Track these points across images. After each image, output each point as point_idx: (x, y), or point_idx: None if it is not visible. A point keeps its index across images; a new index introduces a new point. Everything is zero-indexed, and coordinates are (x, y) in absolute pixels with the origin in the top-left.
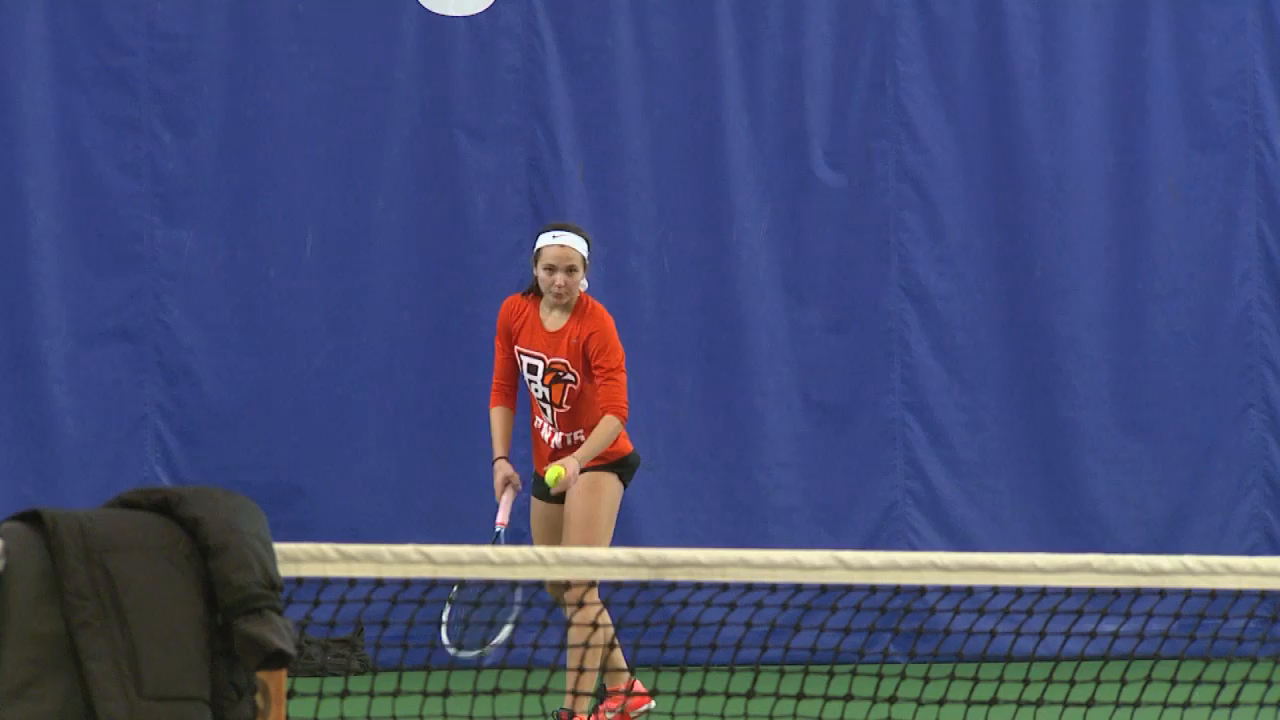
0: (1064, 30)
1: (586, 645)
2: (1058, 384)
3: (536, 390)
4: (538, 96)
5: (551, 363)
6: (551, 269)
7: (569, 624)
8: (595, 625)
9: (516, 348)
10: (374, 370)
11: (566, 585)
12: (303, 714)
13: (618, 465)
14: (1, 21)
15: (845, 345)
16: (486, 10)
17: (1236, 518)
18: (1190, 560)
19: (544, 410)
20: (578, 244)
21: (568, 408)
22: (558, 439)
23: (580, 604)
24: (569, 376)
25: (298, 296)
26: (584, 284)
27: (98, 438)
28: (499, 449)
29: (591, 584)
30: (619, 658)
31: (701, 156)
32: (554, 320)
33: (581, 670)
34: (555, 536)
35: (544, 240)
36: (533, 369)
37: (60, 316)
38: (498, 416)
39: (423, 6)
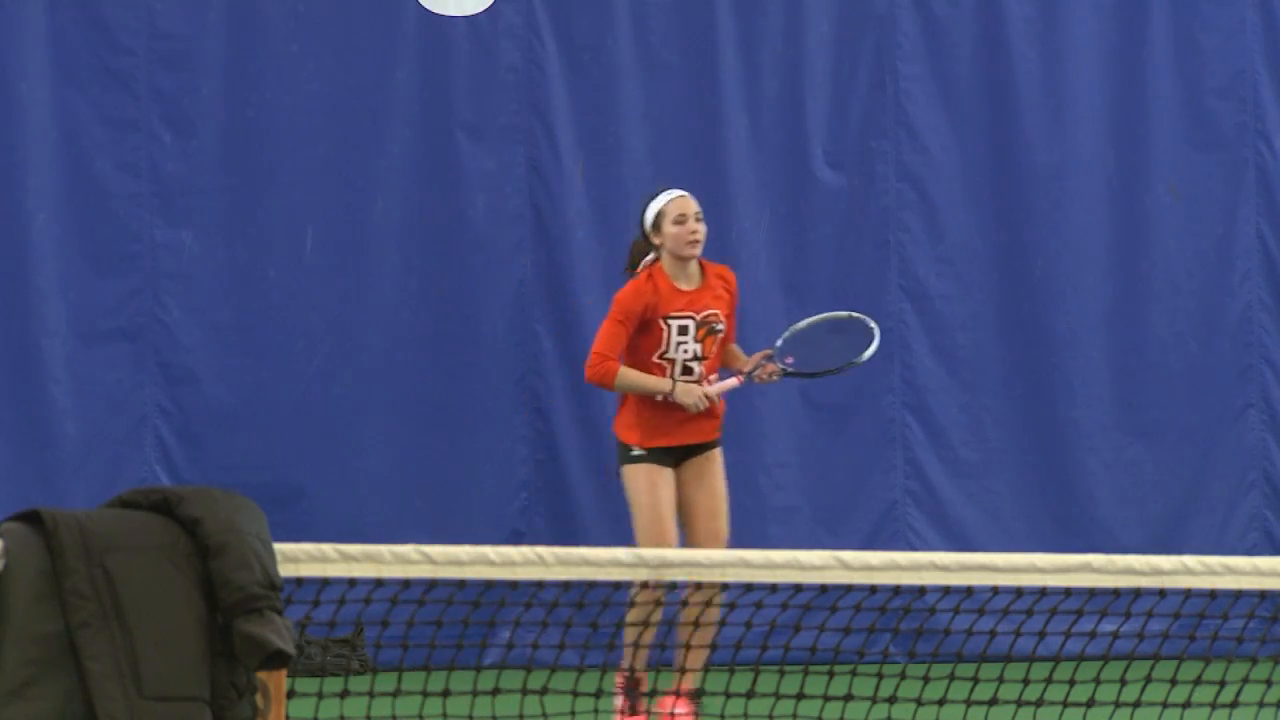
0: (1064, 30)
1: (696, 626)
2: (1058, 384)
3: (685, 350)
4: (538, 96)
5: (704, 317)
6: (683, 219)
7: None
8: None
9: (663, 319)
10: (374, 370)
11: (697, 586)
12: (303, 714)
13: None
14: (1, 21)
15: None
16: (486, 10)
17: (1236, 518)
18: (1190, 560)
19: (689, 370)
20: (691, 196)
21: (711, 357)
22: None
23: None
24: (720, 326)
25: (298, 296)
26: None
27: (98, 438)
28: (664, 382)
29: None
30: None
31: (701, 156)
32: (687, 279)
33: (688, 647)
34: (676, 504)
35: (664, 198)
36: (684, 330)
37: (60, 316)
38: (629, 370)
39: (423, 6)
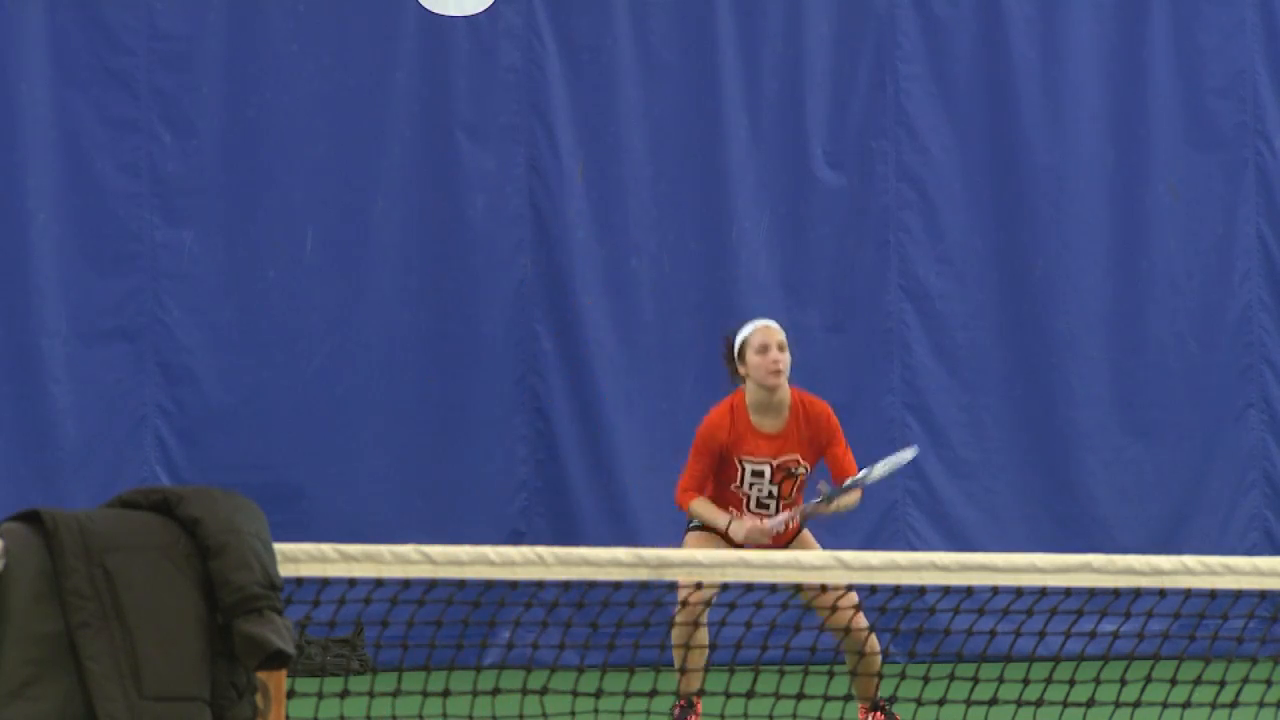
0: (1064, 30)
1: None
2: (1058, 384)
3: (760, 491)
4: (538, 96)
5: (781, 463)
6: (765, 348)
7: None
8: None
9: (739, 458)
10: (374, 370)
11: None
12: (303, 714)
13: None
14: (1, 21)
15: (845, 345)
16: (486, 10)
17: (1236, 518)
18: (1190, 560)
19: (764, 506)
20: (777, 325)
21: (794, 496)
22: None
23: (847, 629)
24: (800, 469)
25: (298, 296)
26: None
27: (98, 438)
28: (721, 519)
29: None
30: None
31: (701, 156)
32: (771, 424)
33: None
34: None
35: (747, 329)
36: (758, 474)
37: (60, 316)
38: (700, 503)
39: (423, 6)
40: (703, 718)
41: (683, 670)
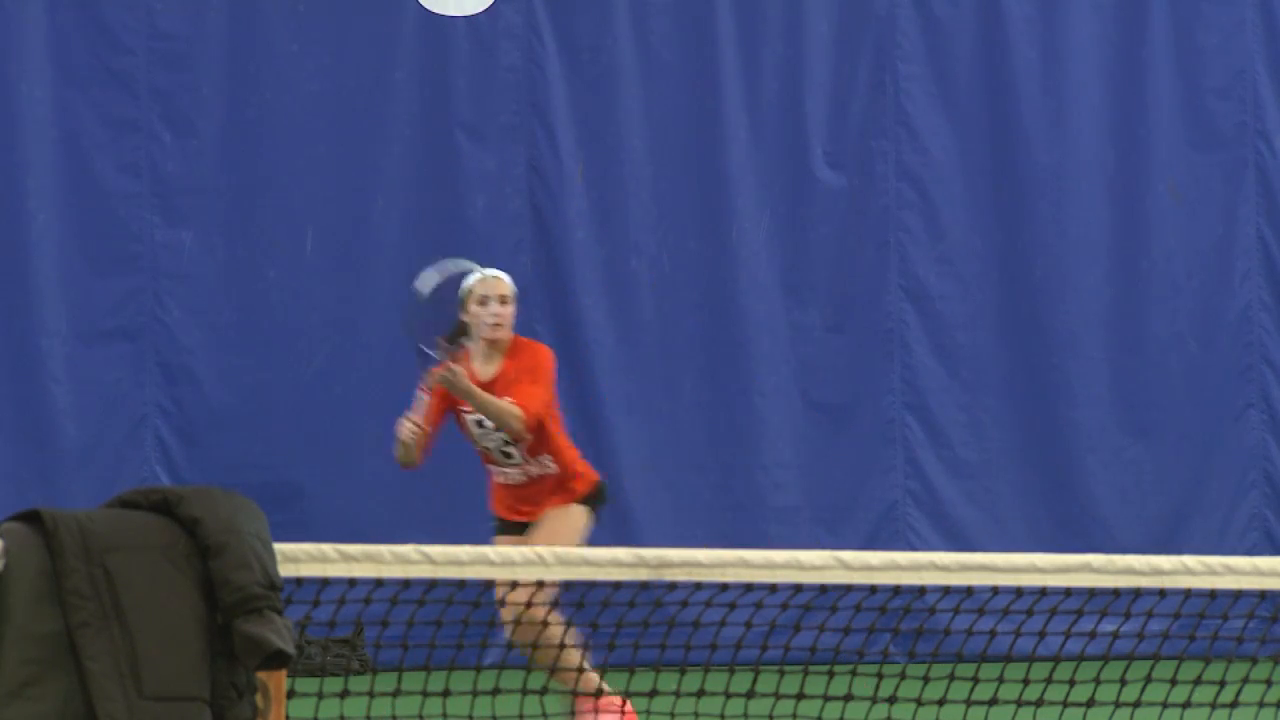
0: (1064, 30)
1: (559, 646)
2: (1058, 384)
3: (490, 441)
4: (538, 96)
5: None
6: (485, 300)
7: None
8: (546, 624)
9: (461, 409)
10: (374, 370)
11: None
12: (303, 714)
13: (588, 498)
14: (1, 21)
15: (845, 345)
16: (486, 10)
17: (1236, 518)
18: (1190, 560)
19: (507, 455)
20: (506, 277)
21: (531, 437)
22: (528, 472)
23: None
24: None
25: (298, 296)
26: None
27: (98, 438)
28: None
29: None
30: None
31: (701, 156)
32: (487, 370)
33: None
34: None
35: (473, 278)
36: (481, 423)
37: (60, 316)
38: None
39: (423, 6)
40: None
41: (581, 670)
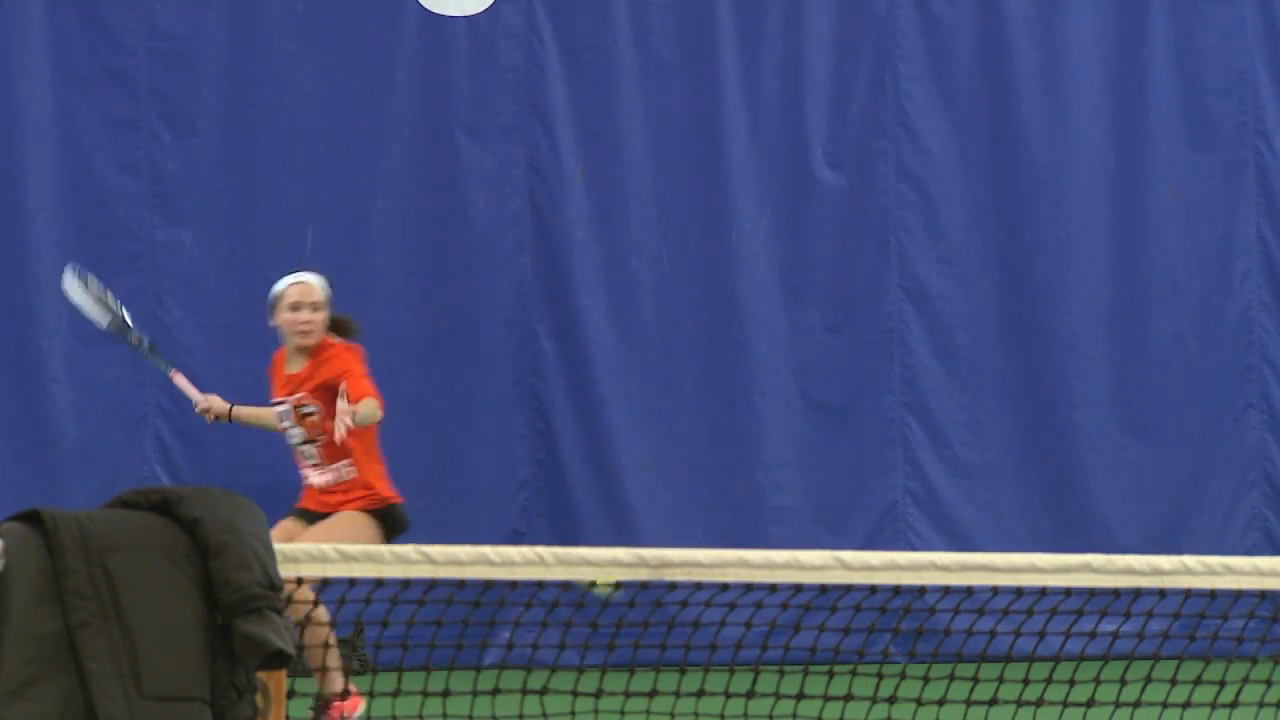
0: (1064, 30)
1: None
2: (1058, 384)
3: (296, 436)
4: (538, 96)
5: (296, 401)
6: (297, 306)
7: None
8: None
9: (273, 403)
10: (374, 370)
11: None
12: (303, 714)
13: (382, 513)
14: (1, 21)
15: (845, 345)
16: (486, 10)
17: (1236, 518)
18: (1190, 560)
19: (305, 454)
20: (317, 282)
21: (325, 437)
22: (326, 478)
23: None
24: (309, 408)
25: None
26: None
27: (98, 438)
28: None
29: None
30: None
31: (701, 156)
32: (294, 366)
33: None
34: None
35: (284, 283)
36: (285, 415)
37: (60, 316)
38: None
39: (423, 6)
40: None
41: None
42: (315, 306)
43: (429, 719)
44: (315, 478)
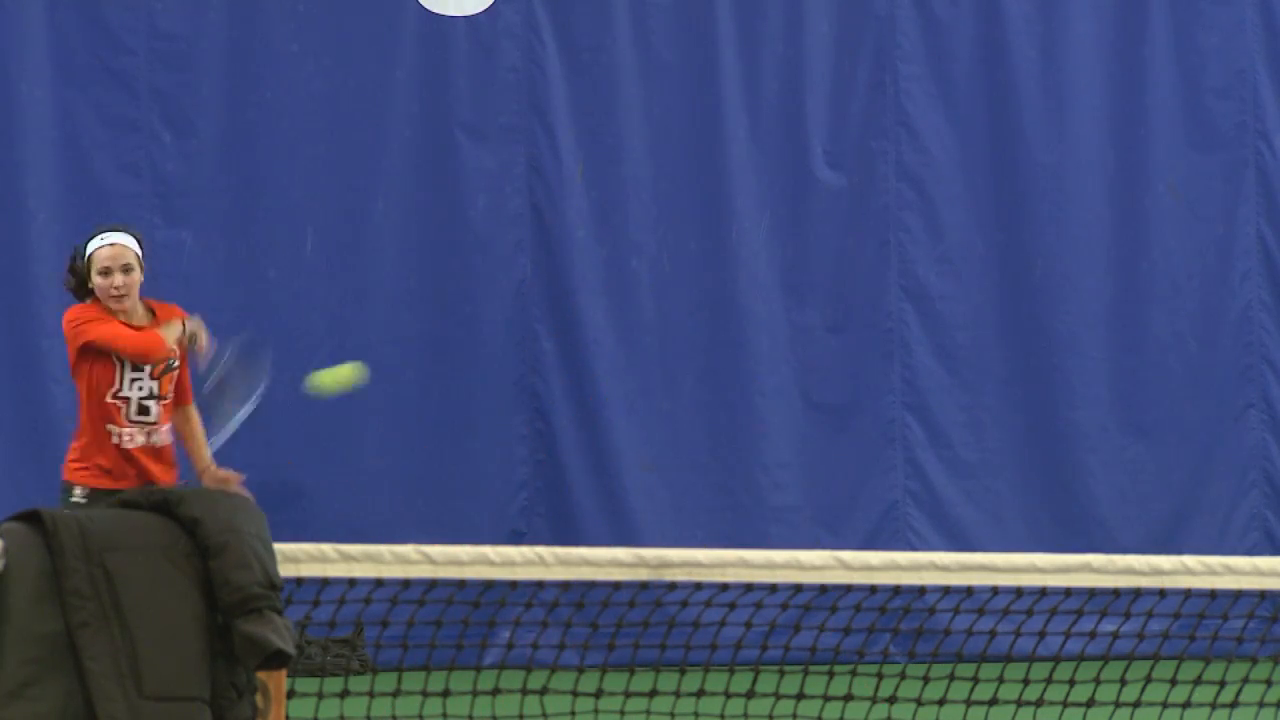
0: (1064, 30)
1: None
2: (1058, 384)
3: (141, 389)
4: (538, 96)
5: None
6: (107, 271)
7: None
8: None
9: (115, 355)
10: (374, 370)
11: None
12: (303, 714)
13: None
14: (1, 21)
15: (845, 345)
16: (486, 10)
17: (1236, 518)
18: (1190, 560)
19: (145, 410)
20: (129, 242)
21: (171, 395)
22: (156, 437)
23: None
24: (176, 362)
25: (298, 296)
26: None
27: None
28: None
29: None
30: None
31: (701, 156)
32: (138, 318)
33: None
34: None
35: (95, 243)
36: (138, 367)
37: (60, 317)
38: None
39: (423, 6)
40: (703, 718)
41: None
42: (126, 269)
43: (429, 719)
44: (138, 437)
